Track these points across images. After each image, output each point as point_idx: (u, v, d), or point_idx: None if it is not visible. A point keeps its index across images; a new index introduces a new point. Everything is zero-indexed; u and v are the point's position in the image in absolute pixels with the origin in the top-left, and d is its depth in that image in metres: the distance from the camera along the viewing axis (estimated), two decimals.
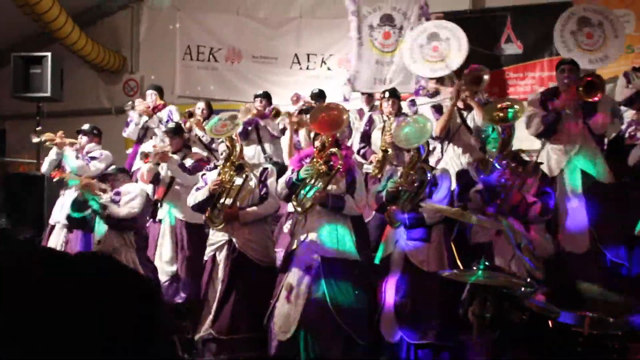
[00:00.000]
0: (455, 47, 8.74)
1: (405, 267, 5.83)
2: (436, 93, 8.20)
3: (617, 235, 6.36)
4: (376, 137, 7.80)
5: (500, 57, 9.76)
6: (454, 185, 6.11)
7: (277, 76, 11.41)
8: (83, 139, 8.38)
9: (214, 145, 8.42)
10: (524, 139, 7.14)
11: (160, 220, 7.63)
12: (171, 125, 8.09)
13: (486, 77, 6.92)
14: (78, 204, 6.84)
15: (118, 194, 6.76)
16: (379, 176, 7.37)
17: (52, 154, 8.22)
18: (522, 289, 4.13)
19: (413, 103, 8.68)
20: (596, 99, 6.33)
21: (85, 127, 8.51)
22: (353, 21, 9.61)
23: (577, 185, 6.47)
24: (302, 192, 6.02)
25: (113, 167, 7.11)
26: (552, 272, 5.58)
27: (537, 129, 6.61)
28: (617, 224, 6.41)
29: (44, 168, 8.35)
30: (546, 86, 8.34)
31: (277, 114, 7.98)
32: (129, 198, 6.68)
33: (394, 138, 6.67)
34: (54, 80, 9.90)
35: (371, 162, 7.66)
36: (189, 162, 7.63)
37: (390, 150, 7.39)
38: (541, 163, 6.19)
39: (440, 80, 8.63)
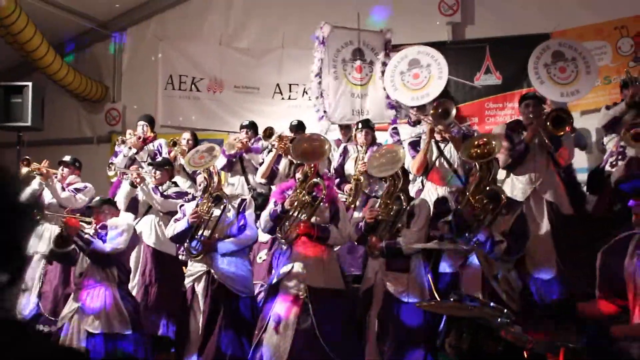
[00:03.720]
0: (436, 74, 8.82)
1: (385, 298, 5.83)
2: (418, 122, 8.23)
3: (581, 265, 6.44)
4: (349, 167, 7.85)
5: (479, 87, 9.85)
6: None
7: (259, 106, 11.43)
8: (64, 171, 8.37)
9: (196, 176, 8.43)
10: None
11: None
12: (159, 159, 8.23)
13: (453, 110, 7.01)
14: (62, 240, 6.47)
15: (104, 227, 6.53)
16: (352, 206, 7.40)
17: (35, 184, 8.15)
18: (498, 319, 4.13)
19: (396, 131, 8.71)
20: (562, 133, 6.47)
21: (67, 158, 8.51)
22: (324, 57, 9.65)
23: (542, 215, 6.62)
24: (287, 223, 6.04)
25: (97, 198, 6.90)
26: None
27: (505, 161, 6.75)
28: (581, 254, 6.50)
29: (24, 197, 8.19)
30: None
31: (271, 134, 7.93)
32: (116, 233, 6.45)
33: (368, 168, 6.72)
34: (34, 110, 9.87)
35: (347, 192, 7.69)
36: (170, 191, 7.67)
37: (362, 179, 7.44)
38: (521, 202, 6.24)
39: (421, 108, 8.68)
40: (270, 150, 8.08)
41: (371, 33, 9.67)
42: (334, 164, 8.16)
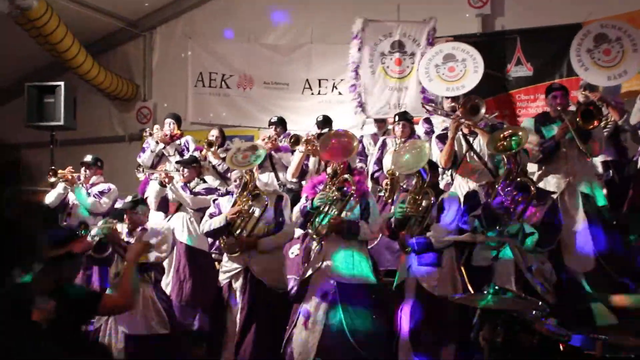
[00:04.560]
0: (471, 68, 8.76)
1: (418, 293, 5.79)
2: (452, 111, 8.16)
3: (621, 255, 6.37)
4: (387, 161, 7.80)
5: (510, 79, 9.75)
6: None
7: (288, 102, 11.46)
8: (87, 172, 8.38)
9: (228, 174, 8.42)
10: None
11: None
12: (186, 156, 8.26)
13: (483, 107, 6.93)
14: (100, 246, 6.31)
15: (144, 231, 6.38)
16: (390, 200, 7.36)
17: (60, 188, 8.17)
18: (533, 312, 4.09)
19: (428, 122, 8.65)
20: (592, 127, 6.35)
21: (88, 159, 8.46)
22: (362, 50, 9.65)
23: (578, 208, 6.49)
24: (317, 219, 6.03)
25: (129, 198, 6.70)
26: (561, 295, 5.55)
27: (536, 157, 6.64)
28: (620, 244, 6.44)
29: (50, 199, 8.23)
30: None
31: (297, 141, 7.88)
32: (158, 242, 6.30)
33: (394, 165, 6.67)
34: (67, 109, 9.99)
35: (384, 186, 7.65)
36: (199, 188, 7.70)
37: (397, 173, 7.39)
38: (553, 193, 6.15)
39: (455, 99, 8.62)
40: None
41: (413, 23, 9.64)
42: (373, 158, 8.14)
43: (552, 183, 6.60)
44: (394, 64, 9.65)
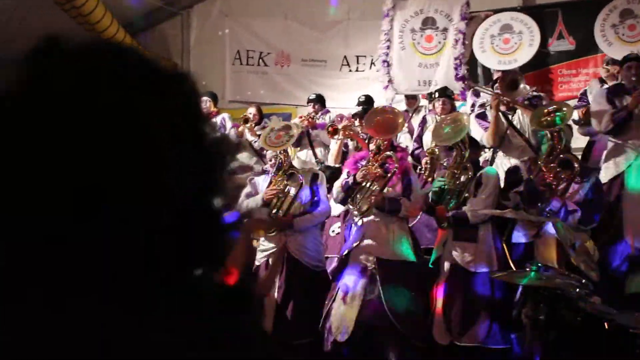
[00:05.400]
0: (526, 41, 8.61)
1: (452, 269, 5.77)
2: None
3: None
4: (427, 138, 7.74)
5: (552, 54, 9.57)
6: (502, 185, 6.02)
7: (326, 79, 11.39)
8: None
9: (264, 151, 8.43)
10: (578, 137, 7.04)
11: None
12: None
13: (521, 82, 6.80)
14: None
15: None
16: (430, 179, 7.30)
17: None
18: (577, 290, 4.04)
19: (476, 94, 8.52)
20: None
21: None
22: (393, 27, 9.53)
23: None
24: (359, 195, 6.01)
25: None
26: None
27: (607, 127, 6.47)
28: None
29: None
30: None
31: (335, 131, 7.82)
32: None
33: (434, 138, 6.62)
34: None
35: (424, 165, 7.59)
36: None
37: (437, 151, 7.31)
38: (596, 170, 6.05)
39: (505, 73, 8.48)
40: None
41: None
42: (403, 134, 8.07)
43: (622, 155, 6.44)
44: (424, 40, 9.49)
